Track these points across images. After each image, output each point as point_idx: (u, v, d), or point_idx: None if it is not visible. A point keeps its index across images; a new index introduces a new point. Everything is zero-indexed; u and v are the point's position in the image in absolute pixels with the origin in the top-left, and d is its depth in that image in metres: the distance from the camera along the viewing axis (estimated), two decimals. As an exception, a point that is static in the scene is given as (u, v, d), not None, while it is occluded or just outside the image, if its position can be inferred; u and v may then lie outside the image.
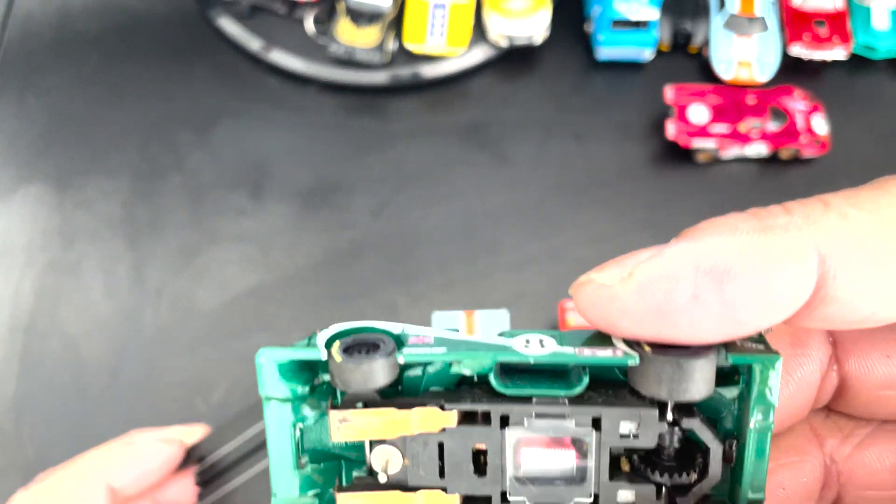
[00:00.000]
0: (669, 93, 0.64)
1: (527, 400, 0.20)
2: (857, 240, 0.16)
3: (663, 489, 0.21)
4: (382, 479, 0.21)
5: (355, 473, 0.22)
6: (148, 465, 0.40)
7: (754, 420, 0.20)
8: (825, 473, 0.22)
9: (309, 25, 0.68)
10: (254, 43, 0.68)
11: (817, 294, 0.17)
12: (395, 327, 0.21)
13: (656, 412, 0.20)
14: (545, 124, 0.67)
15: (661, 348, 0.19)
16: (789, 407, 0.22)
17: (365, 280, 0.61)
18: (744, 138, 0.63)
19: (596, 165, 0.65)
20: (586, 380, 0.20)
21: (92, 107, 0.68)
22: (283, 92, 0.68)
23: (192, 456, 0.45)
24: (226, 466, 0.43)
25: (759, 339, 0.20)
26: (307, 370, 0.22)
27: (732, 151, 0.63)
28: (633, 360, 0.19)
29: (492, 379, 0.21)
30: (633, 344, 0.19)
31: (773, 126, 0.63)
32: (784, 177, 0.64)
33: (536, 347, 0.20)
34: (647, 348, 0.19)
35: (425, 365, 0.21)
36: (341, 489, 0.21)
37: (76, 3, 0.73)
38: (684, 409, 0.20)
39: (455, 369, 0.21)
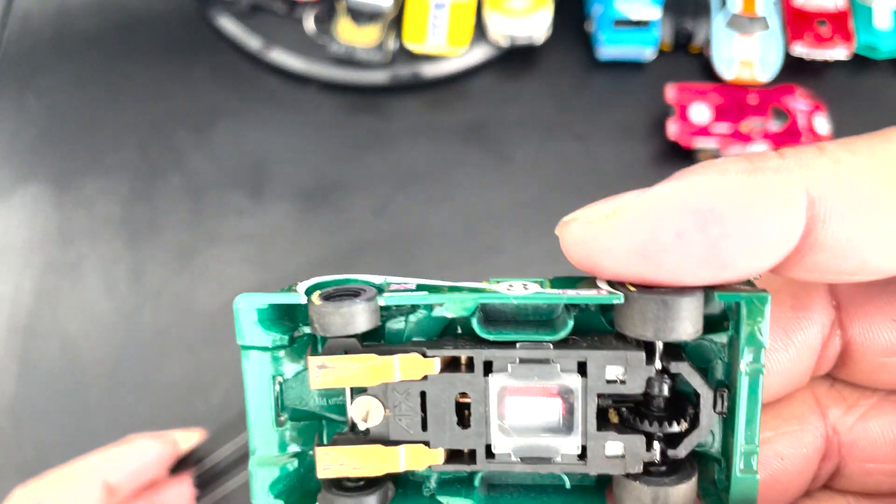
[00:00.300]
0: (671, 92, 0.64)
1: (511, 345, 0.20)
2: (849, 184, 0.16)
3: (654, 443, 0.20)
4: (362, 427, 0.20)
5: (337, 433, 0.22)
6: (142, 462, 0.41)
7: (744, 362, 0.19)
8: (826, 444, 0.22)
9: (309, 25, 0.68)
10: (253, 42, 0.68)
11: (806, 239, 0.16)
12: (376, 279, 0.20)
13: (643, 354, 0.19)
14: (546, 124, 0.67)
15: (647, 289, 0.18)
16: (789, 372, 0.21)
17: (365, 280, 0.61)
18: (745, 138, 0.62)
19: (597, 165, 0.65)
20: (571, 324, 0.20)
21: (91, 106, 0.68)
22: (283, 91, 0.68)
23: (190, 458, 0.45)
24: (223, 469, 0.43)
25: (748, 284, 0.19)
26: (287, 320, 0.21)
27: (734, 151, 0.63)
28: (618, 298, 0.18)
29: (475, 325, 0.20)
30: (617, 286, 0.19)
31: (774, 126, 0.63)
32: (786, 177, 0.64)
33: (520, 290, 0.19)
34: (632, 288, 0.18)
35: (408, 315, 0.21)
36: (321, 445, 0.20)
37: (75, 2, 0.73)
38: (672, 353, 0.20)
39: (437, 312, 0.21)
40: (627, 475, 0.20)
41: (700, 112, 0.63)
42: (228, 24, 0.69)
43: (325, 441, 0.22)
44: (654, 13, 0.65)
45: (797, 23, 0.67)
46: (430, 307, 0.21)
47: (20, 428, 0.57)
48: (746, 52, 0.66)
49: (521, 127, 0.66)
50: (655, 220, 0.16)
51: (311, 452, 0.21)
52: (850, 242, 0.16)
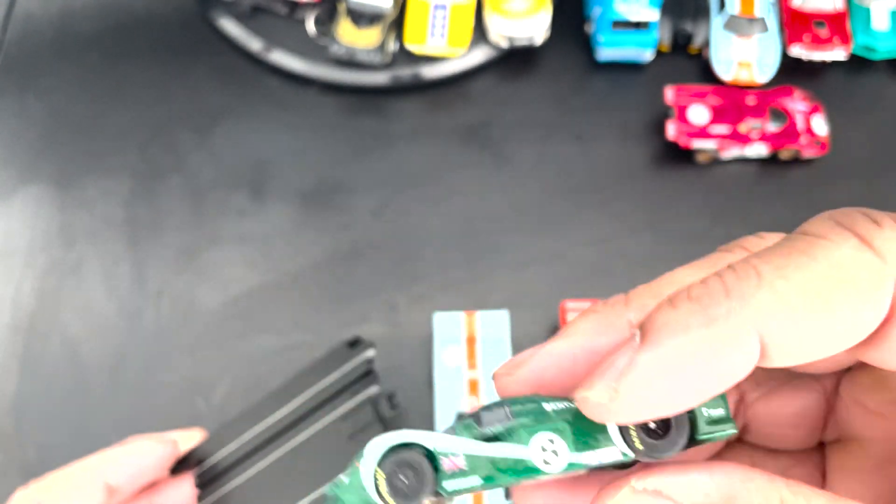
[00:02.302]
0: (669, 93, 0.64)
1: None
2: (787, 311, 0.19)
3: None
4: None
5: None
6: (143, 463, 0.41)
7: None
8: (735, 406, 0.25)
9: (310, 26, 0.68)
10: (255, 43, 0.68)
11: (759, 359, 0.19)
12: (425, 439, 0.22)
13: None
14: (546, 125, 0.67)
15: (648, 438, 0.21)
16: None
17: (366, 280, 0.61)
18: (744, 139, 0.63)
19: (596, 166, 0.65)
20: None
21: (92, 107, 0.68)
22: (283, 92, 0.68)
23: (191, 459, 0.45)
24: (225, 468, 0.43)
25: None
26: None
27: (732, 152, 0.63)
28: (628, 457, 0.21)
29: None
30: (626, 436, 0.21)
31: (773, 127, 0.63)
32: (784, 177, 0.64)
33: (552, 457, 0.22)
34: (637, 442, 0.21)
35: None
36: None
37: (77, 3, 0.73)
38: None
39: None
40: None
41: (699, 113, 0.63)
42: (229, 26, 0.69)
43: None
44: (653, 15, 0.66)
45: (795, 24, 0.67)
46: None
47: (22, 428, 0.57)
48: (744, 54, 0.66)
49: (521, 128, 0.67)
50: (649, 389, 0.20)
51: None
52: (790, 354, 0.19)
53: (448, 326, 0.56)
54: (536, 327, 0.59)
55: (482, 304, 0.60)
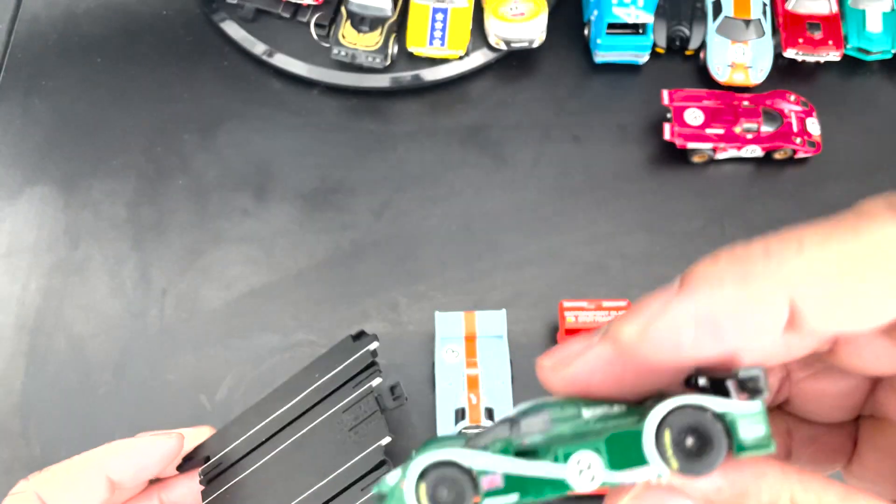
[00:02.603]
0: (666, 95, 0.65)
1: None
2: (820, 280, 0.19)
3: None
4: None
5: None
6: (147, 458, 0.40)
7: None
8: (780, 383, 0.26)
9: (312, 29, 0.69)
10: (258, 47, 0.69)
11: (788, 324, 0.20)
12: (465, 458, 0.22)
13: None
14: (544, 126, 0.67)
15: (684, 458, 0.21)
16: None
17: (367, 280, 0.62)
18: (739, 140, 0.64)
19: (594, 167, 0.66)
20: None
21: (97, 109, 0.69)
22: (286, 95, 0.69)
23: (197, 455, 0.45)
24: (230, 464, 0.44)
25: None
26: None
27: (728, 153, 0.64)
28: (663, 478, 0.21)
29: None
30: (662, 453, 0.21)
31: (767, 128, 0.64)
32: (778, 177, 0.65)
33: (588, 475, 0.22)
34: (673, 461, 0.21)
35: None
36: None
37: (82, 6, 0.73)
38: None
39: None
40: None
41: (694, 115, 0.64)
42: (233, 29, 0.69)
43: None
44: (649, 18, 0.66)
45: (790, 26, 0.68)
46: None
47: (28, 425, 0.58)
48: (739, 56, 0.67)
49: (520, 129, 0.67)
50: (677, 332, 0.20)
51: None
52: (821, 324, 0.20)
53: (448, 325, 0.57)
54: (535, 326, 0.59)
55: (481, 302, 0.60)
